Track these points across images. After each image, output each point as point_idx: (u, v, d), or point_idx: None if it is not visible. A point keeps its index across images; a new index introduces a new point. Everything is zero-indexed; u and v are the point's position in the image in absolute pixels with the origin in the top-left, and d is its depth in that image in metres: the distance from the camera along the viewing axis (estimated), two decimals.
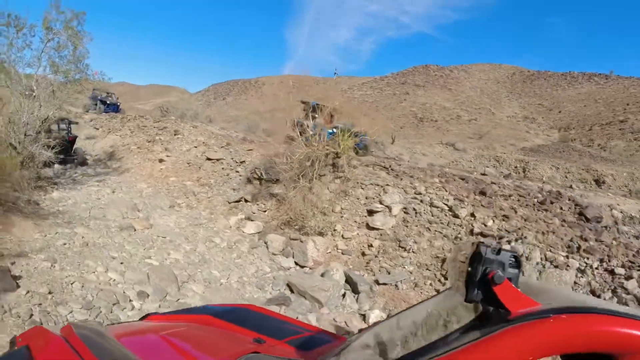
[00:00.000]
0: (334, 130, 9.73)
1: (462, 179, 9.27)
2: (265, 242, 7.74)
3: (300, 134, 9.10)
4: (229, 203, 9.63)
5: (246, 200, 9.56)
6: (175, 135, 14.32)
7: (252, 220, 8.64)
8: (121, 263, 5.72)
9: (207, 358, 1.48)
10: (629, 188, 17.84)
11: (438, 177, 9.16)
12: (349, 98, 49.29)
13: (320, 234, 7.73)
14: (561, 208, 7.68)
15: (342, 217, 8.22)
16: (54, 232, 6.19)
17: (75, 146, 13.46)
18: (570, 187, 11.73)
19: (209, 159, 11.54)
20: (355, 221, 8.05)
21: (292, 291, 6.06)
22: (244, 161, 11.05)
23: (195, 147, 12.67)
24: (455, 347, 0.87)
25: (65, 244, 5.86)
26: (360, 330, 1.80)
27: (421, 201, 8.09)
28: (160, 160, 12.48)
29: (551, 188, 9.58)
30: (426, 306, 1.30)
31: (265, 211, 9.05)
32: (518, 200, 8.04)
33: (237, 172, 10.76)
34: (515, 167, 24.96)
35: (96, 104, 22.29)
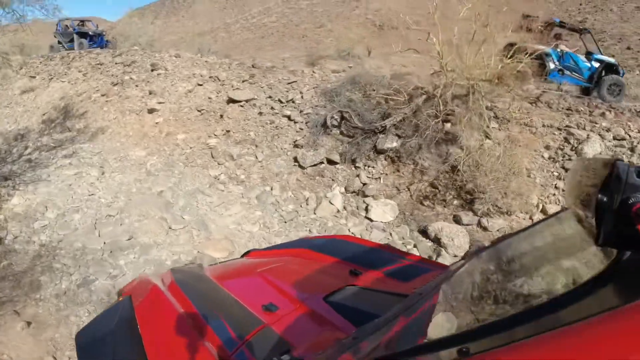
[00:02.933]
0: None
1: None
2: (436, 239, 4.66)
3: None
4: (303, 168, 6.25)
5: (331, 162, 6.22)
6: (153, 71, 10.01)
7: (373, 198, 5.44)
8: None
9: (303, 294, 1.40)
10: None
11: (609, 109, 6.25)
12: (294, 8, 43.77)
13: (507, 213, 4.76)
14: None
15: (535, 182, 5.22)
16: None
17: None
18: None
19: (232, 100, 7.73)
20: (556, 187, 5.10)
21: None
22: (292, 100, 7.40)
23: (200, 84, 8.64)
24: (581, 317, 0.50)
25: None
26: (464, 257, 1.46)
27: (631, 149, 5.24)
28: (151, 111, 8.46)
29: None
30: (537, 233, 0.89)
31: (377, 178, 5.83)
32: None
33: (289, 117, 7.16)
34: None
35: (71, 40, 15.73)
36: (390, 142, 5.94)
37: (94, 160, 7.30)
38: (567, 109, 6.16)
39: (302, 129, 6.87)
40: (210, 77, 8.67)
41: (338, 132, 6.58)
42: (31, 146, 8.53)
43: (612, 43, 19.32)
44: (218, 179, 6.37)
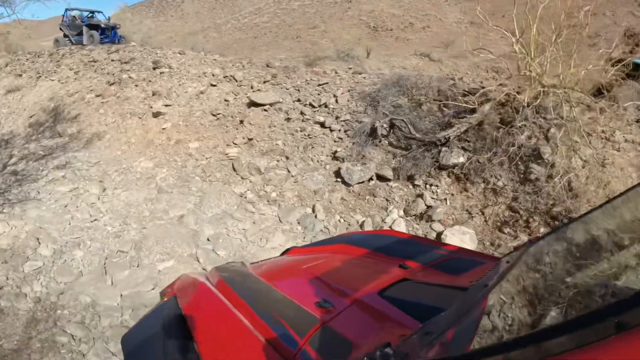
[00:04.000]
0: None
1: None
2: None
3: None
4: (348, 185, 5.25)
5: (382, 178, 5.25)
6: (156, 69, 8.89)
7: (441, 223, 4.47)
8: None
9: (355, 290, 1.32)
10: None
11: None
12: (285, 9, 43.02)
13: None
14: None
15: None
16: None
17: None
18: None
19: (254, 103, 6.69)
20: None
21: None
22: (325, 104, 6.41)
23: (214, 85, 7.57)
24: None
25: None
26: (516, 249, 1.20)
27: None
28: (157, 114, 7.36)
29: None
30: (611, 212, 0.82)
31: (443, 199, 4.86)
32: None
33: (322, 124, 6.17)
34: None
35: (79, 33, 13.66)
36: (456, 157, 4.99)
37: (92, 173, 6.18)
38: None
39: (341, 138, 5.87)
40: (224, 76, 7.60)
41: (386, 142, 5.61)
42: (17, 154, 7.34)
43: (607, 47, 18.86)
44: (245, 197, 5.33)
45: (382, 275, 1.45)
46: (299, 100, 6.60)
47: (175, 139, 6.81)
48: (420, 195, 4.93)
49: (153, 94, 8.00)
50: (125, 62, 9.58)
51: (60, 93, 9.33)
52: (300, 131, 6.20)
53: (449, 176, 5.11)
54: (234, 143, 6.37)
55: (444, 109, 5.89)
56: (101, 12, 15.26)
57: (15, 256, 3.74)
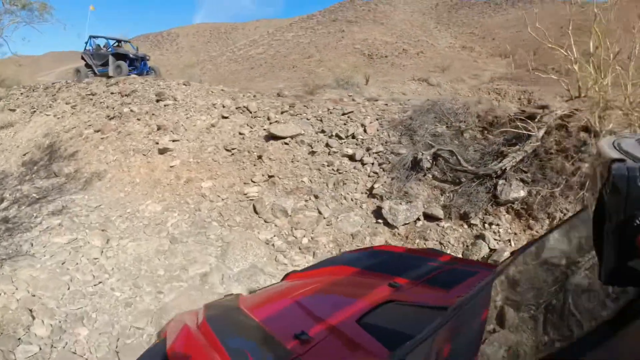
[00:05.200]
0: None
1: None
2: None
3: None
4: (392, 227, 4.56)
5: (430, 217, 4.56)
6: (159, 101, 8.31)
7: None
8: None
9: (336, 317, 1.35)
10: None
11: None
12: (280, 40, 43.51)
13: None
14: None
15: None
16: None
17: None
18: None
19: (273, 136, 6.05)
20: None
21: None
22: (352, 135, 5.79)
23: (225, 117, 6.95)
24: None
25: None
26: (513, 253, 1.13)
27: None
28: (163, 151, 6.69)
29: None
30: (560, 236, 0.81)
31: (507, 240, 4.16)
32: None
33: (352, 157, 5.53)
34: (519, 98, 22.25)
35: (104, 64, 12.38)
36: (516, 191, 4.35)
37: (92, 220, 5.44)
38: None
39: (376, 173, 5.22)
40: (237, 107, 7.00)
41: (430, 176, 4.97)
42: (8, 197, 6.61)
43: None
44: (272, 245, 4.60)
45: (369, 297, 1.46)
46: (322, 131, 5.99)
47: (185, 178, 6.12)
48: (480, 237, 4.24)
49: (158, 128, 7.36)
50: (126, 95, 9.00)
51: (56, 129, 8.68)
52: (328, 165, 5.55)
53: (508, 212, 4.45)
54: (252, 181, 5.69)
55: (489, 136, 5.31)
56: (129, 42, 14.24)
57: (5, 337, 2.96)
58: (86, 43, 13.17)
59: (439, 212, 4.54)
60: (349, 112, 6.11)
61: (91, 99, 9.37)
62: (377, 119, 5.98)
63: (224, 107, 7.21)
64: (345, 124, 5.94)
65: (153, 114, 8.01)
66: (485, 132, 5.42)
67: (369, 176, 5.24)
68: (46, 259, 4.40)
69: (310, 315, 1.41)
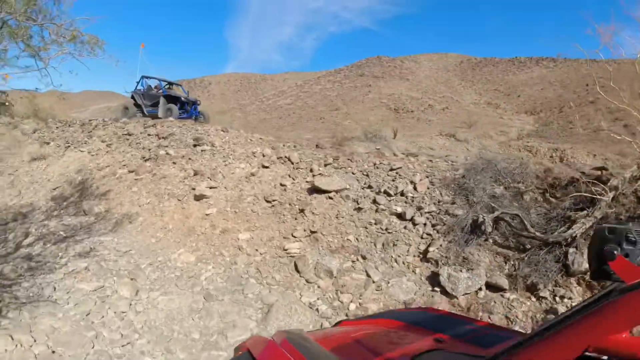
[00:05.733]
0: None
1: None
2: None
3: None
4: (451, 297, 4.04)
5: (493, 287, 4.05)
6: (196, 146, 8.25)
7: None
8: None
9: (393, 354, 1.48)
10: None
11: None
12: (308, 92, 44.84)
13: None
14: None
15: None
16: None
17: None
18: None
19: (317, 189, 5.76)
20: None
21: None
22: (402, 192, 5.44)
23: (266, 167, 6.75)
24: (569, 322, 0.86)
25: None
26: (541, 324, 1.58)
27: None
28: (200, 197, 6.45)
29: None
30: None
31: None
32: None
33: (401, 216, 5.14)
34: (551, 156, 21.77)
35: (154, 104, 12.16)
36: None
37: (121, 265, 5.11)
38: None
39: (429, 235, 4.79)
40: (278, 157, 6.81)
41: (491, 241, 4.51)
42: (34, 233, 6.39)
43: (629, 122, 18.46)
44: (316, 310, 4.13)
45: (417, 344, 1.57)
46: (369, 186, 5.67)
47: (221, 228, 5.80)
48: (552, 311, 3.69)
49: (195, 174, 7.20)
50: (163, 138, 9.01)
51: (89, 166, 8.65)
52: (375, 224, 5.16)
53: (579, 284, 3.91)
54: (293, 236, 5.32)
55: (551, 199, 4.88)
56: (180, 86, 14.22)
57: None
58: (137, 82, 13.09)
59: (504, 282, 4.03)
60: (397, 168, 5.81)
61: (127, 139, 9.42)
62: (427, 176, 5.65)
63: (264, 156, 7.04)
64: (393, 180, 5.62)
65: (190, 159, 7.91)
66: (547, 194, 5.01)
67: (421, 238, 4.81)
68: (69, 307, 4.04)
69: (370, 351, 1.52)
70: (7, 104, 5.92)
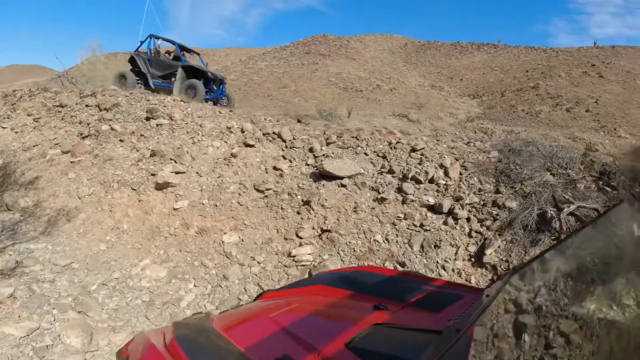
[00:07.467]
0: None
1: None
2: None
3: None
4: None
5: None
6: (149, 120, 6.61)
7: None
8: None
9: (322, 341, 1.23)
10: None
11: None
12: (253, 68, 42.97)
13: None
14: None
15: None
16: None
17: None
18: None
19: (325, 175, 4.53)
20: None
21: None
22: (432, 179, 4.39)
23: (250, 145, 5.35)
24: None
25: None
26: (499, 278, 1.34)
27: None
28: (163, 186, 4.96)
29: None
30: (577, 244, 0.95)
31: None
32: None
33: (434, 208, 4.11)
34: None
35: (165, 76, 9.04)
36: None
37: (60, 290, 3.62)
38: None
39: (478, 233, 3.81)
40: (264, 134, 5.44)
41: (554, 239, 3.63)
42: None
43: (570, 106, 19.41)
44: None
45: (354, 320, 1.36)
46: (390, 171, 4.54)
47: (197, 227, 4.41)
48: None
49: (152, 155, 5.64)
50: (105, 109, 7.17)
51: (12, 145, 6.66)
52: (405, 219, 4.08)
53: None
54: (298, 237, 4.09)
55: (605, 187, 4.11)
56: (199, 55, 10.50)
57: None
58: (142, 42, 9.51)
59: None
60: (421, 149, 4.73)
61: (60, 112, 7.44)
62: (456, 159, 4.64)
63: (242, 132, 5.63)
64: (419, 164, 4.54)
65: (142, 135, 6.27)
66: (600, 182, 4.24)
67: (469, 236, 3.81)
68: None
69: (292, 337, 1.27)
70: None
